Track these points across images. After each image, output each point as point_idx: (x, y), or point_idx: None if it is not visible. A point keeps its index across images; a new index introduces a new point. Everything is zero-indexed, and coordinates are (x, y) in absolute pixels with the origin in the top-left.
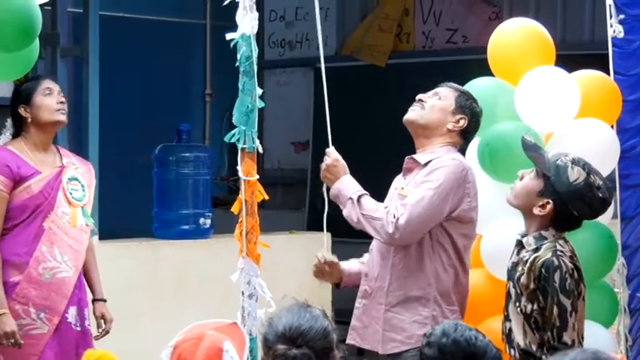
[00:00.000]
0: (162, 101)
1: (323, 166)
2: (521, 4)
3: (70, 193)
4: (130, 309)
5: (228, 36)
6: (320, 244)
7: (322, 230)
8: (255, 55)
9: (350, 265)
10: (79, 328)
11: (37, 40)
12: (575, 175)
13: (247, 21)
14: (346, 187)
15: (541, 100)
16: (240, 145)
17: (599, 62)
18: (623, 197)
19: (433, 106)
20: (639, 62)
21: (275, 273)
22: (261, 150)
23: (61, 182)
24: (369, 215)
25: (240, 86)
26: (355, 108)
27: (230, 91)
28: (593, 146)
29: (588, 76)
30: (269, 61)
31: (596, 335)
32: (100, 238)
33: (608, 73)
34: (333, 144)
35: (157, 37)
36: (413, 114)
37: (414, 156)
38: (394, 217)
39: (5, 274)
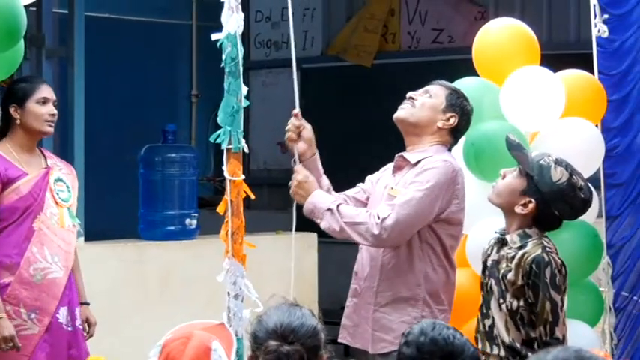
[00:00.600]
0: (148, 102)
1: (293, 182)
2: (506, 4)
3: (57, 194)
4: (116, 310)
5: (214, 36)
6: (306, 244)
7: (309, 230)
8: (240, 55)
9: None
10: (70, 328)
11: (22, 41)
12: (558, 175)
13: (233, 21)
14: (320, 200)
15: (526, 99)
16: (224, 146)
17: (584, 62)
18: (608, 196)
19: (423, 104)
20: (621, 62)
21: (261, 273)
22: (246, 150)
23: (48, 183)
24: (352, 221)
25: (225, 87)
26: (341, 108)
27: (216, 91)
28: (578, 145)
29: (573, 75)
30: (255, 61)
31: (581, 334)
32: (86, 239)
33: (593, 73)
34: (318, 144)
35: (143, 38)
36: (403, 112)
37: (404, 154)
38: (378, 217)
39: None
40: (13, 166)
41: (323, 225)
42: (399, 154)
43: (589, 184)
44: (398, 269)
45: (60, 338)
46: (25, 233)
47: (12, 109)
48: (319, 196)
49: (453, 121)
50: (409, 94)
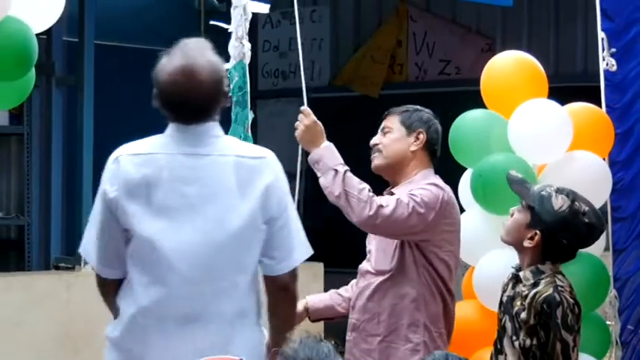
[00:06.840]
0: (157, 130)
1: (300, 125)
2: (514, 36)
3: None
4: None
5: (225, 66)
6: (313, 273)
7: (313, 260)
8: (247, 85)
9: (316, 300)
10: None
11: (33, 69)
12: (560, 203)
13: (240, 51)
14: (330, 155)
15: (534, 132)
16: None
17: (591, 95)
18: (614, 229)
19: (387, 143)
20: (624, 94)
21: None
22: None
23: None
24: (352, 192)
25: (232, 116)
26: (348, 138)
27: (223, 120)
28: (586, 178)
29: (581, 108)
30: (262, 91)
31: None
32: None
33: (600, 106)
34: None
35: (151, 66)
36: (376, 160)
37: (392, 190)
38: (378, 202)
39: None
40: None
41: (322, 181)
42: (387, 189)
43: (597, 209)
44: (395, 296)
45: None
46: None
47: None
48: (330, 150)
49: (422, 136)
50: (371, 142)
